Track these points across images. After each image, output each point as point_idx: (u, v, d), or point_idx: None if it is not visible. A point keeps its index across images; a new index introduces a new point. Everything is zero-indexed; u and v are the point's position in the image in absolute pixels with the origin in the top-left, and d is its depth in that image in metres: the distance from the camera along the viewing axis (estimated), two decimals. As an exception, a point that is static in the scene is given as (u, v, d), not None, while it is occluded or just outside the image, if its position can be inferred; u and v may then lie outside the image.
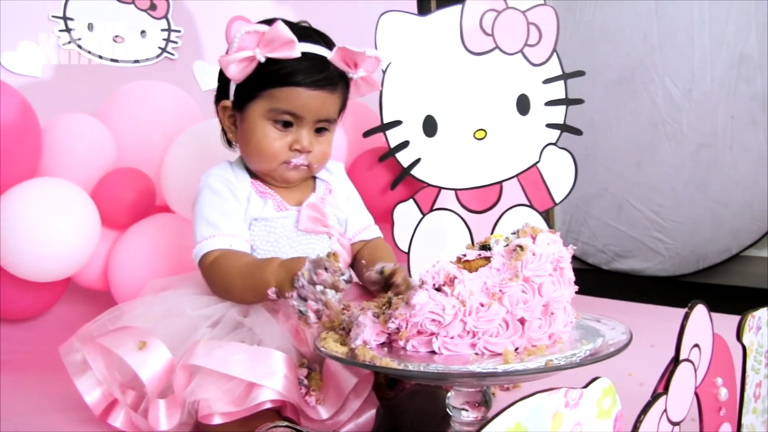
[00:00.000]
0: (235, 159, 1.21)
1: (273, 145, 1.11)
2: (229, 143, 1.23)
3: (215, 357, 0.91)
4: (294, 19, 1.16)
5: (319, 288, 0.90)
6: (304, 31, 1.12)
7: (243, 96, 1.12)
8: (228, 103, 1.15)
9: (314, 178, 1.22)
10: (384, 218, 1.78)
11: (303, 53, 1.08)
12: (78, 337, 1.06)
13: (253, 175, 1.17)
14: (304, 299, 0.92)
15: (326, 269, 0.91)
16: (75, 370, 1.04)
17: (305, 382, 0.92)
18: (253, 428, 0.89)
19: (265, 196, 1.15)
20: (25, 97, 1.50)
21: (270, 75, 1.08)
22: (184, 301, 1.07)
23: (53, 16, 1.82)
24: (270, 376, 0.90)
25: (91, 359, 1.00)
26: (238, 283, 1.04)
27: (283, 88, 1.09)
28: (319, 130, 1.14)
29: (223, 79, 1.16)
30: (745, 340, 0.78)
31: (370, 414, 0.94)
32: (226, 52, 1.10)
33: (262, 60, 1.07)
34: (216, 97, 1.20)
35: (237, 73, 1.08)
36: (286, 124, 1.11)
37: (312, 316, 0.91)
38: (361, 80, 1.15)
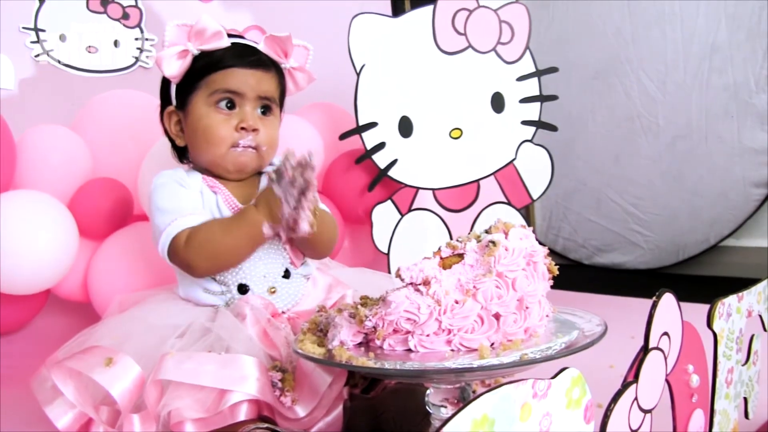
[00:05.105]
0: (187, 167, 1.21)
1: (220, 128, 1.12)
2: (180, 156, 1.23)
3: (185, 369, 0.91)
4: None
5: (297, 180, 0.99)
6: (231, 35, 1.16)
7: (183, 92, 1.15)
8: (171, 107, 1.18)
9: (260, 174, 1.21)
10: (363, 220, 1.78)
11: (233, 43, 1.14)
12: (46, 366, 1.03)
13: (204, 172, 1.17)
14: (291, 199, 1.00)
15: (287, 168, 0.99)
16: (45, 398, 1.01)
17: (279, 384, 0.93)
18: None
19: (215, 190, 1.15)
20: (-3, 111, 1.49)
21: (205, 65, 1.12)
22: (147, 314, 1.07)
23: (24, 28, 1.81)
24: (242, 381, 0.90)
25: (60, 383, 0.98)
26: (227, 241, 1.05)
27: (219, 72, 1.12)
28: (263, 111, 1.16)
29: (164, 90, 1.19)
30: (715, 327, 0.79)
31: (338, 411, 0.95)
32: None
33: (195, 52, 1.11)
34: (160, 112, 1.21)
35: (173, 69, 1.11)
36: (230, 106, 1.13)
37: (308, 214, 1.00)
38: (296, 71, 1.20)
